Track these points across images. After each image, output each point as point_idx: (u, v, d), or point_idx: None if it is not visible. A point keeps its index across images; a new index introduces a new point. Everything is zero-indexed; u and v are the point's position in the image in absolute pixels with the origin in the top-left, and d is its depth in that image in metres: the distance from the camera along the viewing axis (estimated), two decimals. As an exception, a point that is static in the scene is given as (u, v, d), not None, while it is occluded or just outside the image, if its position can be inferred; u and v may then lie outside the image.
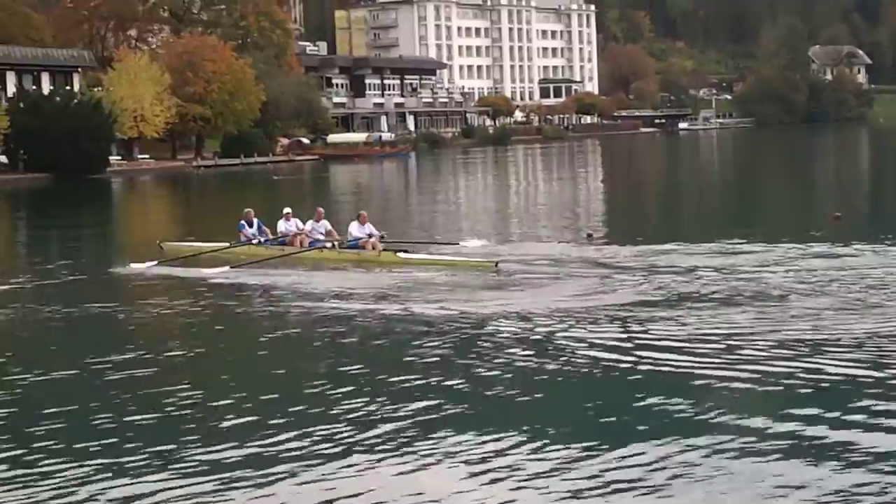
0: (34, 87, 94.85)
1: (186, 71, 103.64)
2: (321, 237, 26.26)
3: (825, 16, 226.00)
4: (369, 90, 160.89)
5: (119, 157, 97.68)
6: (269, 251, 26.21)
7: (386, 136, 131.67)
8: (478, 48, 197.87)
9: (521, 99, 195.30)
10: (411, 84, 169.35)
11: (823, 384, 12.63)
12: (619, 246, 26.15)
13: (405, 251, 25.05)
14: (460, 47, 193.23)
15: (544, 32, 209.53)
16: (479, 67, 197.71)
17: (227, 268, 24.48)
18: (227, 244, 27.55)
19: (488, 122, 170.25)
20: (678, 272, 21.37)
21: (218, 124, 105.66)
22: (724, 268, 21.69)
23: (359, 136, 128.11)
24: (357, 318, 18.38)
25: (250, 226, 27.34)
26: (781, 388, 12.53)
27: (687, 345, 14.77)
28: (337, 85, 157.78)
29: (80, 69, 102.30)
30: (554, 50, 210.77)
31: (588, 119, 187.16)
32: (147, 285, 23.28)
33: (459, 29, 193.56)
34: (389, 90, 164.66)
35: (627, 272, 21.74)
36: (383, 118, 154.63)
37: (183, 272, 24.49)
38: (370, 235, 25.32)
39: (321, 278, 22.95)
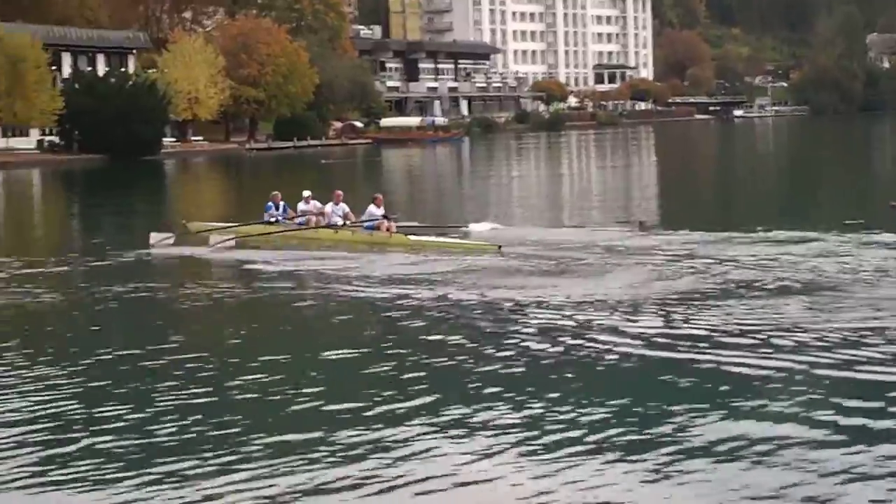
0: (89, 69, 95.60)
1: (241, 53, 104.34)
2: (339, 219, 26.39)
3: (882, 3, 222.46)
4: (423, 74, 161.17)
5: (173, 139, 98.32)
6: (278, 227, 26.80)
7: (439, 120, 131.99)
8: (532, 33, 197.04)
9: (576, 84, 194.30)
10: (465, 69, 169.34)
11: (872, 377, 12.14)
12: (671, 234, 25.48)
13: (415, 234, 25.27)
14: (515, 32, 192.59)
15: (599, 17, 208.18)
16: (533, 52, 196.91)
17: (232, 239, 25.29)
18: (249, 224, 27.95)
19: (542, 107, 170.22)
20: (730, 262, 20.69)
21: (271, 107, 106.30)
22: (778, 257, 21.02)
23: (412, 121, 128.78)
24: (374, 301, 18.26)
25: (276, 208, 27.58)
26: (828, 379, 12.07)
27: (734, 337, 14.23)
28: (390, 69, 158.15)
29: (135, 51, 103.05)
30: (609, 35, 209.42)
31: (642, 105, 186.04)
32: (166, 265, 23.85)
33: (514, 13, 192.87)
34: (443, 74, 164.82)
35: (678, 261, 21.08)
36: (437, 102, 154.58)
37: (192, 250, 25.08)
38: (386, 217, 25.57)
39: (330, 257, 23.37)
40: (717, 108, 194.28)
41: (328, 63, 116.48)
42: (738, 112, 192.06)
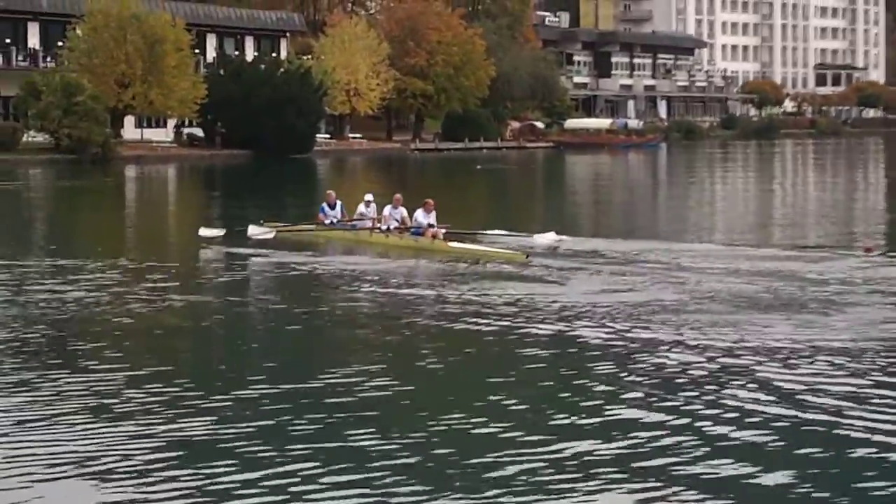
0: (236, 53, 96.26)
1: (408, 40, 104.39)
2: (395, 223, 28.59)
3: None
4: (616, 70, 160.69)
5: (327, 136, 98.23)
6: (318, 229, 30.10)
7: (633, 123, 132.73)
8: (744, 25, 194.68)
9: (793, 86, 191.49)
10: (665, 64, 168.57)
11: None
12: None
13: (459, 241, 27.23)
14: (724, 24, 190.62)
15: (823, 10, 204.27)
16: (744, 48, 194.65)
17: (271, 233, 28.70)
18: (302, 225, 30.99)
19: (752, 111, 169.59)
20: None
21: (440, 102, 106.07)
22: None
23: (602, 122, 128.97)
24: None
25: (332, 208, 30.05)
26: None
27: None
28: (579, 62, 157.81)
29: (288, 34, 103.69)
30: (834, 30, 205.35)
31: (870, 113, 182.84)
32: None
33: (724, 2, 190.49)
34: (639, 70, 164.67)
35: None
36: (630, 102, 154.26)
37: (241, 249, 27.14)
38: (430, 225, 27.84)
39: (357, 260, 25.81)
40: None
41: (507, 54, 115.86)
42: None
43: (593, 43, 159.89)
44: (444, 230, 27.70)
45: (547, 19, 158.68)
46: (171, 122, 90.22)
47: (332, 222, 29.79)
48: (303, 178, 68.55)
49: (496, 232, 29.02)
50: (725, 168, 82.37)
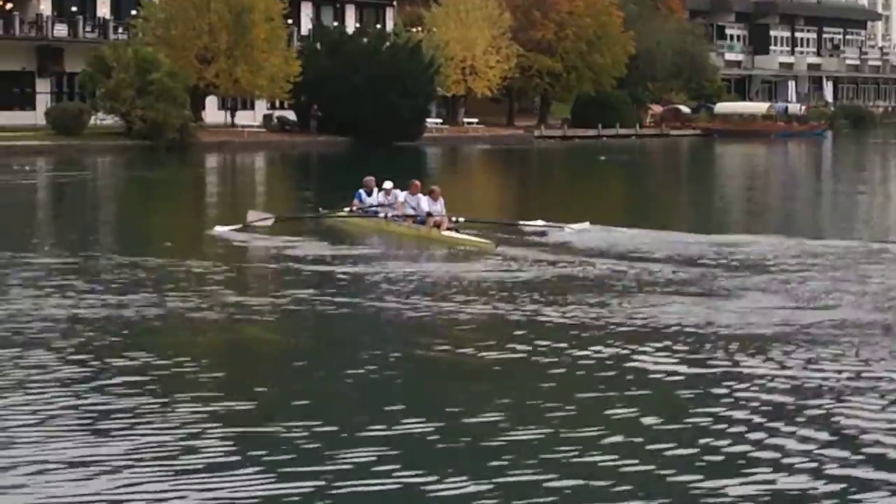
0: (335, 24, 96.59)
1: (533, 10, 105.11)
2: (411, 210, 31.34)
3: None
4: (775, 45, 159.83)
5: (439, 121, 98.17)
6: (325, 215, 34.40)
7: (794, 107, 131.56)
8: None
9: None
10: (832, 39, 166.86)
11: None
12: None
13: (455, 229, 30.31)
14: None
15: None
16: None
17: (269, 219, 32.34)
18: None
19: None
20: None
21: (570, 82, 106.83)
22: None
23: (757, 107, 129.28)
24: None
25: (369, 195, 32.71)
26: None
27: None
28: (731, 37, 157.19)
29: (395, 2, 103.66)
30: None
31: None
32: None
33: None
34: (802, 46, 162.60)
35: None
36: (791, 84, 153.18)
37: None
38: (429, 214, 30.59)
39: (351, 247, 28.96)
40: None
41: (648, 26, 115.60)
42: None
43: (749, 14, 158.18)
44: (450, 218, 30.73)
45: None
46: (261, 104, 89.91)
47: (363, 211, 32.67)
48: (409, 169, 67.54)
49: (529, 222, 32.62)
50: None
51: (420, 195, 31.55)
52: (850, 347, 16.63)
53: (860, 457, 11.73)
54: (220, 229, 31.30)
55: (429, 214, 30.70)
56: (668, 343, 16.96)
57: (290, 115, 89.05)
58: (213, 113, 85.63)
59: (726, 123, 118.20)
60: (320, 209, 35.76)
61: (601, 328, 18.13)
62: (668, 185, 62.30)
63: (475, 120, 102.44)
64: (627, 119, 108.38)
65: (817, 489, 10.83)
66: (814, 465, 11.49)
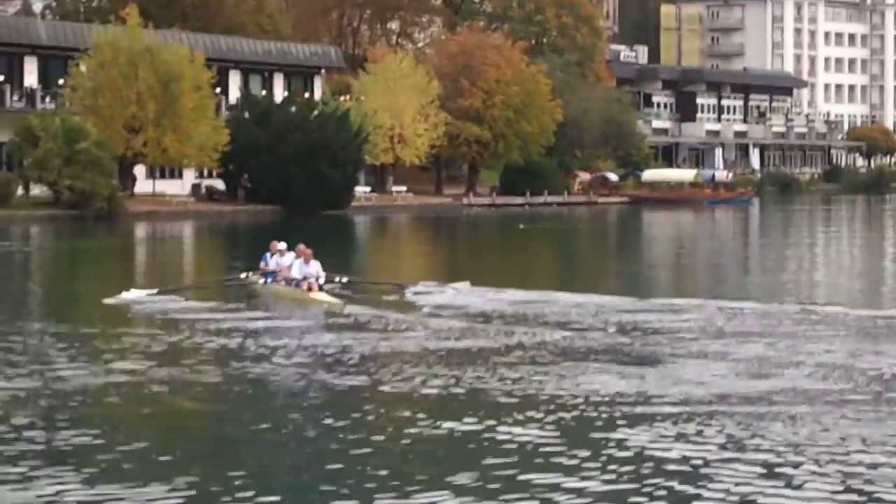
0: (264, 92, 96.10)
1: (461, 78, 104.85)
2: (297, 276, 32.49)
3: None
4: (701, 112, 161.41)
5: (368, 189, 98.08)
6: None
7: (720, 174, 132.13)
8: (851, 62, 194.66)
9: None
10: (759, 107, 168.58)
11: None
12: None
13: (322, 290, 32.05)
14: (827, 60, 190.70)
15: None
16: (851, 88, 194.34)
17: (154, 291, 32.96)
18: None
19: (860, 161, 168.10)
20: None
21: (498, 150, 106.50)
22: None
23: (685, 174, 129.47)
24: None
25: (271, 257, 34.28)
26: None
27: None
28: (658, 104, 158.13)
29: (323, 70, 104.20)
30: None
31: None
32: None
33: (827, 35, 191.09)
34: (728, 114, 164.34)
35: None
36: (718, 151, 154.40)
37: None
38: (304, 277, 32.14)
39: (231, 311, 30.32)
40: None
41: (576, 94, 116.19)
42: None
43: (676, 82, 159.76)
44: (328, 279, 32.70)
45: (622, 54, 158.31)
46: (189, 173, 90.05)
47: (270, 275, 34.00)
48: (337, 238, 68.09)
49: (413, 282, 34.36)
50: (827, 228, 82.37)
51: (295, 259, 32.97)
52: (776, 416, 16.93)
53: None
54: (109, 301, 31.32)
55: (304, 278, 32.09)
56: (516, 412, 17.24)
57: (219, 185, 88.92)
58: (141, 182, 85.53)
59: (654, 191, 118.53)
60: (203, 277, 38.11)
61: (438, 396, 18.57)
62: (580, 251, 63.06)
63: (404, 188, 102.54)
64: (556, 187, 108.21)
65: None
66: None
